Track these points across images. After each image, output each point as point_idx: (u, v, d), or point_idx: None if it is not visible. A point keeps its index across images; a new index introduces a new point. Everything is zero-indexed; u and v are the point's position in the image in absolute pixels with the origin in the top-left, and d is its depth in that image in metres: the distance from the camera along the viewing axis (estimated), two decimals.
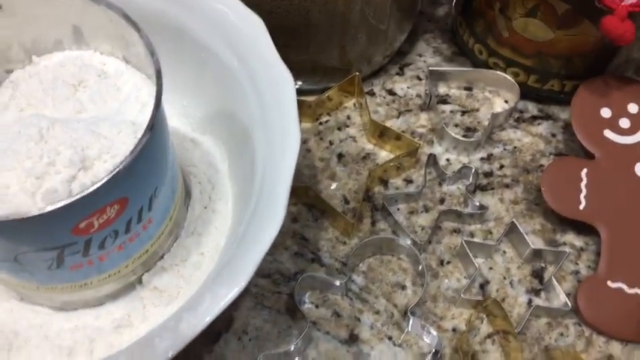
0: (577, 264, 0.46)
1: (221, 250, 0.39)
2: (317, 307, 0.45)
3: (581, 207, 0.45)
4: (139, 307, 0.37)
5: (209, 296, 0.31)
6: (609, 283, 0.44)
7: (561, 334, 0.43)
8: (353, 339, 0.43)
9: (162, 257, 0.38)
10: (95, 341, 0.35)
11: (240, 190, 0.41)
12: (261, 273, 0.46)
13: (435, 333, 0.41)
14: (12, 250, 0.30)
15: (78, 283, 0.34)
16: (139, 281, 0.38)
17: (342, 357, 0.43)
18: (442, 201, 0.49)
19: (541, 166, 0.50)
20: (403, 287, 0.45)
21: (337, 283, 0.43)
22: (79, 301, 0.37)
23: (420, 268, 0.44)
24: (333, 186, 0.49)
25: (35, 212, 0.27)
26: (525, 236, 0.44)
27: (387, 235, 0.46)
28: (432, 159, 0.48)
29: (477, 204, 0.46)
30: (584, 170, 0.46)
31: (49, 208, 0.27)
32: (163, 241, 0.38)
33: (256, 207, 0.33)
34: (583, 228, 0.47)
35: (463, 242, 0.44)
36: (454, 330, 0.44)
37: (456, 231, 0.48)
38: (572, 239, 0.47)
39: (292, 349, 0.40)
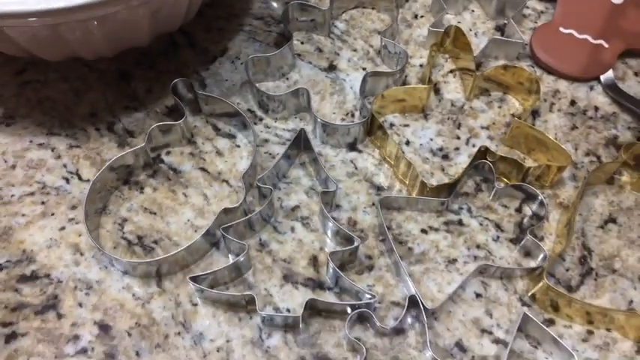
0: (536, 22, 0.52)
1: None
2: (302, 43, 0.50)
3: None
4: None
5: None
6: (562, 29, 0.49)
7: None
8: (332, 68, 0.49)
9: None
10: None
11: None
12: (254, 15, 0.52)
13: (403, 47, 0.47)
14: None
15: None
16: None
17: (321, 81, 0.49)
18: None
19: None
20: (379, 32, 0.51)
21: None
22: None
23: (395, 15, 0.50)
24: None
25: None
26: None
27: None
28: None
29: None
30: None
31: None
32: None
33: None
34: None
35: None
36: (420, 65, 0.49)
37: None
38: (535, 4, 0.53)
39: (275, 53, 0.46)
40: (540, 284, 0.39)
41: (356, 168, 0.45)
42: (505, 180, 0.44)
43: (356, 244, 0.39)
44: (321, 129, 0.45)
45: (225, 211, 0.40)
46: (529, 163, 0.45)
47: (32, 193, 0.43)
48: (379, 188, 0.44)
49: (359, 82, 0.48)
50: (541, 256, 0.40)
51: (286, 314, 0.38)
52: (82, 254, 0.41)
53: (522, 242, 0.41)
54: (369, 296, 0.38)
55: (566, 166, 0.42)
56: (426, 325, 0.37)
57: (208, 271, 0.38)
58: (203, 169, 0.44)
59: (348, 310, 0.38)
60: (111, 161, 0.41)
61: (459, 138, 0.46)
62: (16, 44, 0.39)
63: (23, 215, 0.42)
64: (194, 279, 0.38)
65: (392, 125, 0.47)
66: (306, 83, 0.48)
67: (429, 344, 0.37)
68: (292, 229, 0.42)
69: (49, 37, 0.39)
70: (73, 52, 0.42)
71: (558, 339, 0.37)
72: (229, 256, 0.41)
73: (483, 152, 0.43)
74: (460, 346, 0.38)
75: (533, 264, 0.41)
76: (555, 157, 0.43)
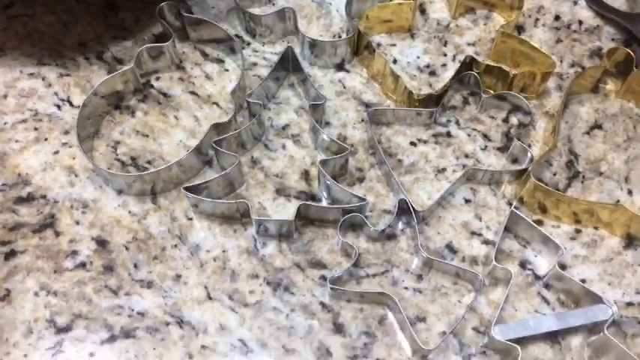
0: None
1: None
2: None
3: None
4: None
5: None
6: None
7: None
8: None
9: None
10: None
11: None
12: None
13: None
14: None
15: None
16: None
17: (308, 5, 0.49)
18: None
19: None
20: None
21: None
22: None
23: None
24: None
25: None
26: None
27: None
28: None
29: None
30: None
31: None
32: None
33: None
34: None
35: None
36: None
37: None
38: None
39: None
40: (528, 184, 0.39)
41: (344, 87, 0.45)
42: (491, 92, 0.45)
43: (346, 152, 0.39)
44: (308, 50, 0.45)
45: (216, 126, 0.40)
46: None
47: (25, 120, 0.43)
48: (368, 105, 0.44)
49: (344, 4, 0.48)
50: (528, 158, 0.41)
51: (279, 219, 0.39)
52: (76, 176, 0.41)
53: (510, 149, 0.42)
54: (358, 200, 0.38)
55: (550, 72, 0.42)
56: (416, 228, 0.38)
57: (202, 181, 0.39)
58: (193, 93, 0.45)
59: (340, 216, 0.39)
60: (100, 82, 0.41)
61: (445, 55, 0.46)
62: None
63: (17, 141, 0.42)
64: (188, 189, 0.38)
65: (379, 45, 0.47)
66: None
67: (420, 246, 0.37)
68: (283, 147, 0.43)
69: None
70: None
71: (546, 233, 0.38)
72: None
73: (469, 63, 0.43)
74: (450, 247, 0.39)
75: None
76: (540, 68, 0.44)
